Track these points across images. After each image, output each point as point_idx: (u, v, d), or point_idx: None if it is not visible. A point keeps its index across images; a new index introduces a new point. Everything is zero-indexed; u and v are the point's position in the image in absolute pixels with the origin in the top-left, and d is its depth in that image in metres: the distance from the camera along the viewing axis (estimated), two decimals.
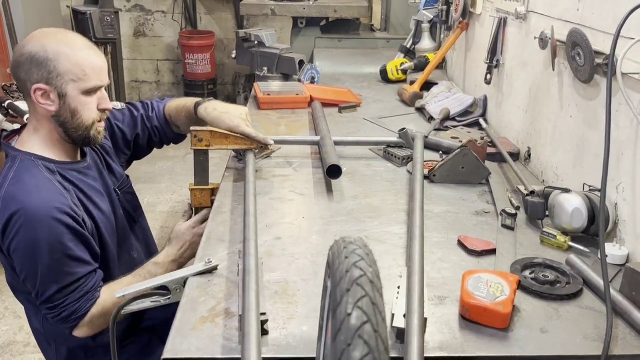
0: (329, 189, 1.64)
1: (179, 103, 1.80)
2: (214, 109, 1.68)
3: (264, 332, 1.00)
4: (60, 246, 1.35)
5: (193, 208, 1.74)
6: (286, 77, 2.75)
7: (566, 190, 1.37)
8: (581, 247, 1.32)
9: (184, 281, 1.18)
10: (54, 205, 1.35)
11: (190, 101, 1.77)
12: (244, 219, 1.31)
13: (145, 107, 1.81)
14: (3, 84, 3.05)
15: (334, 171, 1.61)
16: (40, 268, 1.35)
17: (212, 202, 1.61)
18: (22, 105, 2.92)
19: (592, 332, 1.05)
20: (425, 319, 0.99)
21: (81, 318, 1.41)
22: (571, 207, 1.33)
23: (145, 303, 1.19)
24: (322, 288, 0.85)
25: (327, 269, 0.80)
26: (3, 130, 2.91)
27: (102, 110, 1.49)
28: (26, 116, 2.83)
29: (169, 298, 1.19)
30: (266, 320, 1.01)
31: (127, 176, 1.78)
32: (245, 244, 1.19)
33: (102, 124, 1.51)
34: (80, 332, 1.44)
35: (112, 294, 1.39)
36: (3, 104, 2.92)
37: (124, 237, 1.67)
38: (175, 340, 0.99)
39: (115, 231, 1.60)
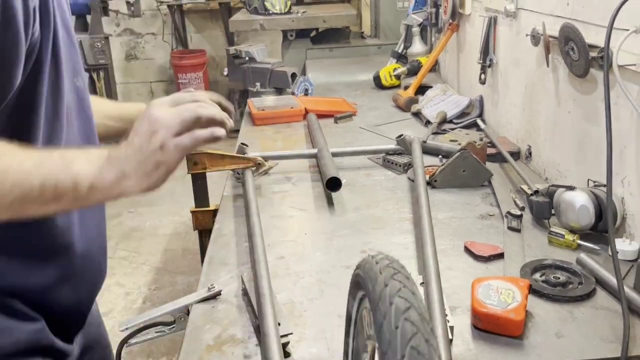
0: (330, 202, 1.61)
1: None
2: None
3: (287, 354, 0.98)
4: None
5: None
6: (280, 91, 2.74)
7: (571, 188, 1.35)
8: (591, 245, 1.29)
9: (187, 309, 1.15)
10: None
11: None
12: (250, 241, 1.29)
13: None
14: None
15: (333, 184, 1.59)
16: None
17: (214, 222, 1.59)
18: None
19: (609, 334, 1.02)
20: (452, 327, 0.96)
21: None
22: (577, 204, 1.30)
23: (150, 334, 1.17)
24: (346, 313, 0.81)
25: (355, 292, 0.76)
26: None
27: None
28: None
29: (173, 327, 1.16)
30: (287, 343, 0.99)
31: None
32: (255, 266, 1.17)
33: None
34: None
35: (12, 161, 0.76)
36: None
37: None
38: None
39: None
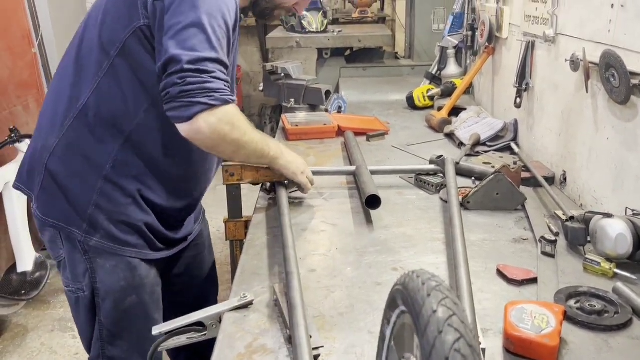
0: (361, 219, 1.62)
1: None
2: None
3: None
4: (225, 20, 1.27)
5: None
6: (313, 107, 2.77)
7: (608, 215, 1.33)
8: (628, 274, 1.27)
9: (219, 317, 1.17)
10: None
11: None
12: (284, 253, 1.30)
13: None
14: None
15: (373, 202, 1.59)
16: (205, 16, 1.21)
17: (246, 234, 1.61)
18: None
19: None
20: (484, 349, 0.96)
21: (223, 102, 1.21)
22: (615, 232, 1.28)
23: (182, 339, 1.19)
24: (381, 327, 0.81)
25: (394, 307, 0.75)
26: None
27: None
28: None
29: (205, 334, 1.18)
30: (318, 356, 1.00)
31: None
32: (288, 277, 1.18)
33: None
34: (202, 122, 1.20)
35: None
36: None
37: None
38: None
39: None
